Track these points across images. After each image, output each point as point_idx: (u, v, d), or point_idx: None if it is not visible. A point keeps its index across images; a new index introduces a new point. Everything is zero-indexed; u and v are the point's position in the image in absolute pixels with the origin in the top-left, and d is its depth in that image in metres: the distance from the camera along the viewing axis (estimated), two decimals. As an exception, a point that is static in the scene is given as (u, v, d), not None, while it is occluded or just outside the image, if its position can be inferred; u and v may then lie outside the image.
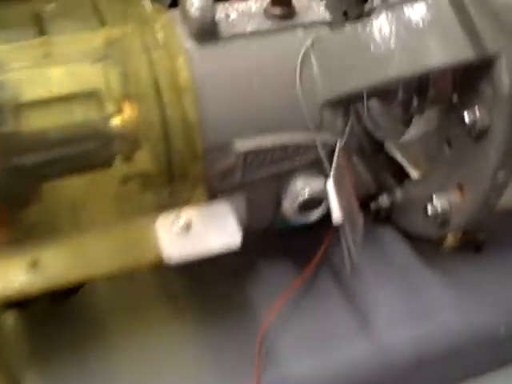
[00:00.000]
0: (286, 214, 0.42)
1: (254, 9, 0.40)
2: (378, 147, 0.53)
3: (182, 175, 0.39)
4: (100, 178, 0.40)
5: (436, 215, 0.44)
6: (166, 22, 0.39)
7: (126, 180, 0.39)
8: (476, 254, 0.51)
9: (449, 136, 0.42)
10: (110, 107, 0.40)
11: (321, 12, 0.40)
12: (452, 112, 0.41)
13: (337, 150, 0.40)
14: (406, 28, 0.36)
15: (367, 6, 0.50)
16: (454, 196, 0.43)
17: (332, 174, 0.39)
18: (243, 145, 0.38)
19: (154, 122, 0.39)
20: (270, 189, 0.41)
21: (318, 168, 0.41)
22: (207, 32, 0.38)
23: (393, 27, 0.36)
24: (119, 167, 0.39)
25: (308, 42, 0.39)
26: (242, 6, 0.40)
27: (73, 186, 0.40)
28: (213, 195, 0.41)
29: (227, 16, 0.39)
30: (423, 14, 0.36)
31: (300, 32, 0.40)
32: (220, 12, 0.39)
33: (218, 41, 0.38)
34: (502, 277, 0.49)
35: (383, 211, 0.52)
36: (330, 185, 0.40)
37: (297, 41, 0.39)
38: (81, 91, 0.40)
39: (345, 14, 0.53)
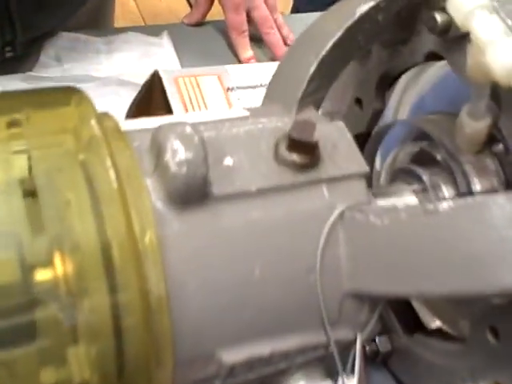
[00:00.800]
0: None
1: (261, 145, 0.28)
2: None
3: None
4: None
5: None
6: (125, 159, 0.26)
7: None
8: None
9: (496, 325, 0.33)
10: (33, 259, 0.28)
11: (355, 158, 0.28)
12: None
13: (358, 350, 0.30)
14: (487, 227, 0.25)
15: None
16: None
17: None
18: (232, 356, 0.26)
19: (100, 306, 0.27)
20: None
21: (322, 364, 0.31)
22: (193, 194, 0.25)
23: (468, 221, 0.25)
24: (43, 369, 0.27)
25: (336, 211, 0.27)
26: (243, 140, 0.27)
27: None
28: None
29: (221, 159, 0.27)
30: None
31: (326, 191, 0.28)
32: (211, 152, 0.26)
33: (207, 202, 0.26)
34: None
35: (381, 355, 0.42)
36: (345, 400, 0.29)
37: (320, 204, 0.27)
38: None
39: (358, 101, 0.41)
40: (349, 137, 0.29)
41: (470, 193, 0.36)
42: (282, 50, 0.69)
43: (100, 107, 0.65)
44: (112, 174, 0.25)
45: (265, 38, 0.68)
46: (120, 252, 0.25)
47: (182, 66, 0.65)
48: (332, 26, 0.30)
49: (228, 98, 0.54)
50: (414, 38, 0.33)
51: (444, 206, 0.25)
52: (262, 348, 0.27)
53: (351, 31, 0.30)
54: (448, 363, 0.36)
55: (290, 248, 0.27)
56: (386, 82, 0.38)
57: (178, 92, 0.52)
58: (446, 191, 0.37)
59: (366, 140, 0.42)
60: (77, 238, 0.25)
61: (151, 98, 0.56)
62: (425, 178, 0.36)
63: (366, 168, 0.28)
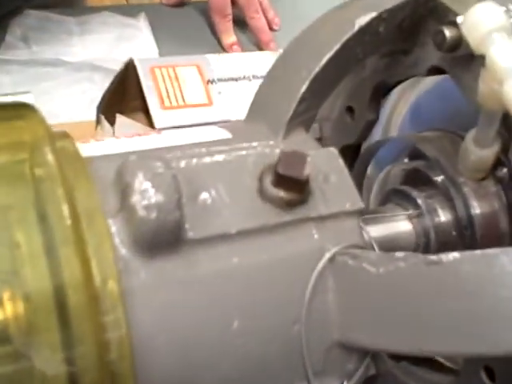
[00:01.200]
0: None
1: (243, 178, 0.24)
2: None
3: None
4: None
5: None
6: (85, 194, 0.23)
7: None
8: None
9: (492, 365, 0.30)
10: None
11: (348, 192, 0.25)
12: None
13: (343, 402, 0.27)
14: (496, 284, 0.22)
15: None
16: None
17: None
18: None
19: (52, 362, 0.23)
20: None
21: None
22: (163, 240, 0.22)
23: (474, 275, 0.22)
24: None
25: (327, 255, 0.24)
26: (222, 170, 0.24)
27: None
28: None
29: (196, 194, 0.23)
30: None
31: (315, 231, 0.24)
32: (185, 186, 0.23)
33: (179, 248, 0.22)
34: None
35: (367, 379, 0.40)
36: None
37: (309, 247, 0.24)
38: None
39: (350, 110, 0.38)
40: (342, 166, 0.25)
41: (469, 217, 0.33)
42: (267, 35, 0.65)
43: (72, 94, 0.61)
44: (66, 210, 0.22)
45: (249, 22, 0.64)
46: (76, 302, 0.22)
47: (160, 50, 0.61)
48: (328, 38, 0.26)
49: (208, 92, 0.51)
50: (417, 50, 0.30)
51: (449, 257, 0.22)
52: (239, 406, 0.24)
53: (349, 44, 0.26)
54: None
55: (273, 297, 0.23)
56: (381, 92, 0.35)
57: (155, 84, 0.48)
58: (443, 216, 0.34)
59: (354, 152, 0.39)
60: (27, 284, 0.22)
61: (125, 88, 0.52)
62: (420, 201, 0.33)
63: (360, 204, 0.25)
